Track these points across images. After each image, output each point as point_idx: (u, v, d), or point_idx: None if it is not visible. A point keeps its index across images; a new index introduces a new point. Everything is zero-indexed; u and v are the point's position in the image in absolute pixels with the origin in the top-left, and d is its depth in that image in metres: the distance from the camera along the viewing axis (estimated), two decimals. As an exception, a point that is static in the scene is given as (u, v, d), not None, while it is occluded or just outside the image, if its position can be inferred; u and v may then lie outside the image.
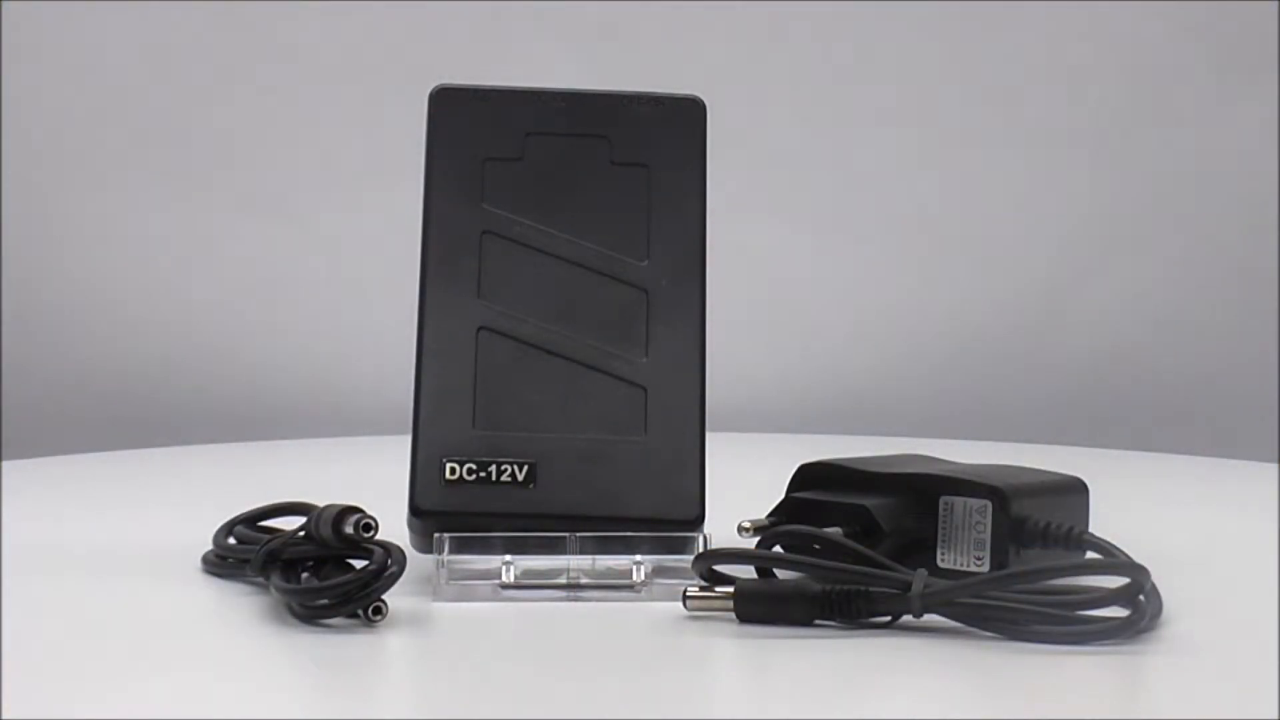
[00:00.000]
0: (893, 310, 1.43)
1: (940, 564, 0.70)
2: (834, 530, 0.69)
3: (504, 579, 0.70)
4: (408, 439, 0.73)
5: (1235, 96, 1.41)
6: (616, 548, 0.69)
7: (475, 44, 1.40)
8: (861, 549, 0.66)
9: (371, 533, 0.67)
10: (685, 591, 0.66)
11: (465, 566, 0.70)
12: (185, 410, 1.39)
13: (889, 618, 0.64)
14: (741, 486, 0.76)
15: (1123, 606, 0.63)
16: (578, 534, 0.70)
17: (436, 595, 0.69)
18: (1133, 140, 1.42)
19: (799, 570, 0.66)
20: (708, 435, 0.74)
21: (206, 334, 1.40)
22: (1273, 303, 1.42)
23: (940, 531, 0.70)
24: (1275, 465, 1.13)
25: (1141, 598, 0.63)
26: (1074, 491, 0.73)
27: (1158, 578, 0.73)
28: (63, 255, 1.40)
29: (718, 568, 0.67)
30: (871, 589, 0.64)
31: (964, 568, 0.69)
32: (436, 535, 0.70)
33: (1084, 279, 1.43)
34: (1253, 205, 1.42)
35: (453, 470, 0.71)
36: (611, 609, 0.68)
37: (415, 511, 0.72)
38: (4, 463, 1.07)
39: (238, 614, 0.68)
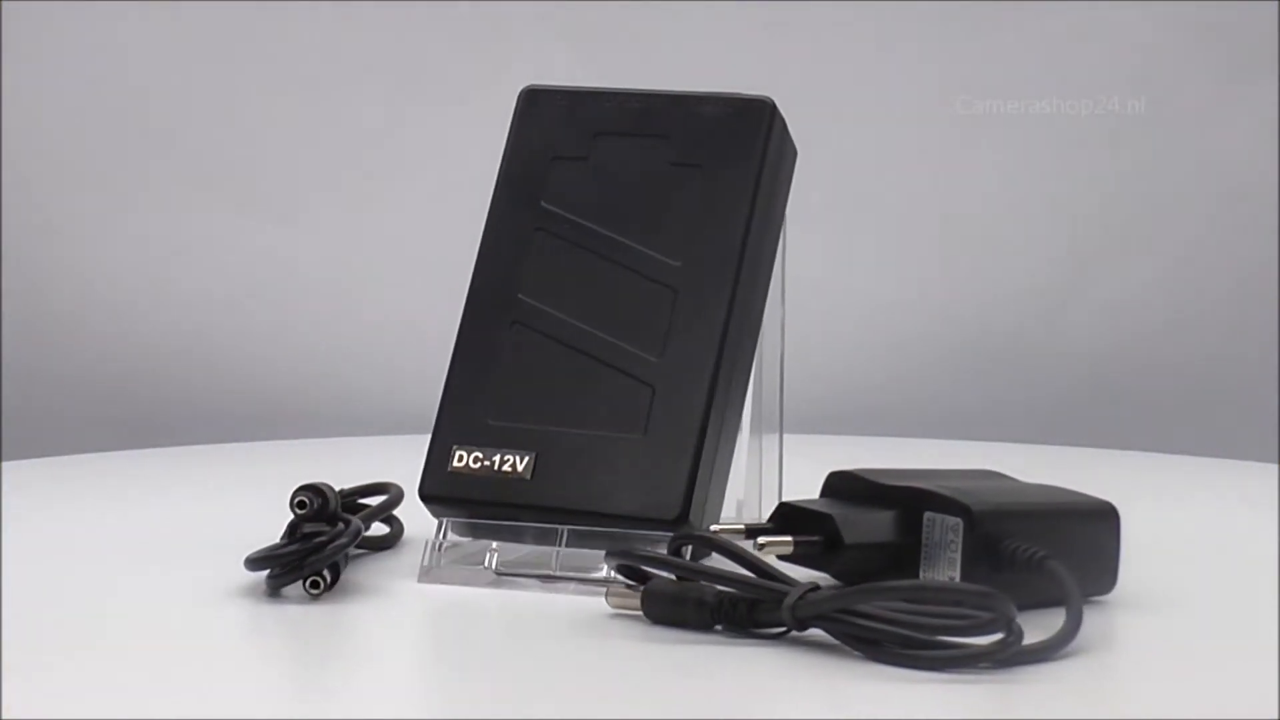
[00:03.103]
0: (892, 310, 1.43)
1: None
2: (791, 539, 0.68)
3: (485, 565, 0.71)
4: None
5: (1235, 96, 1.42)
6: (599, 543, 0.69)
7: (477, 46, 1.40)
8: (756, 558, 0.65)
9: (305, 510, 0.69)
10: (609, 588, 0.67)
11: (454, 551, 0.72)
12: (186, 410, 1.39)
13: (783, 628, 0.63)
14: (801, 486, 0.75)
15: (990, 634, 0.60)
16: (567, 527, 0.71)
17: (421, 577, 0.72)
18: (1133, 140, 1.42)
19: (680, 574, 0.65)
20: (768, 435, 0.76)
21: (207, 334, 1.41)
22: (1273, 303, 1.42)
23: (923, 548, 0.69)
24: (1275, 465, 1.13)
25: (1006, 631, 0.60)
26: (1088, 518, 0.70)
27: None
28: (63, 255, 1.40)
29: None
30: (755, 599, 0.63)
31: None
32: (439, 520, 0.72)
33: (1085, 278, 1.44)
34: (1253, 205, 1.42)
35: (460, 458, 0.72)
36: (570, 601, 0.69)
37: (421, 496, 0.73)
38: (4, 463, 1.07)
39: (229, 597, 0.69)
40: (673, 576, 0.66)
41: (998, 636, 0.59)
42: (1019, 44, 1.42)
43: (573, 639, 0.64)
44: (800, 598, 0.61)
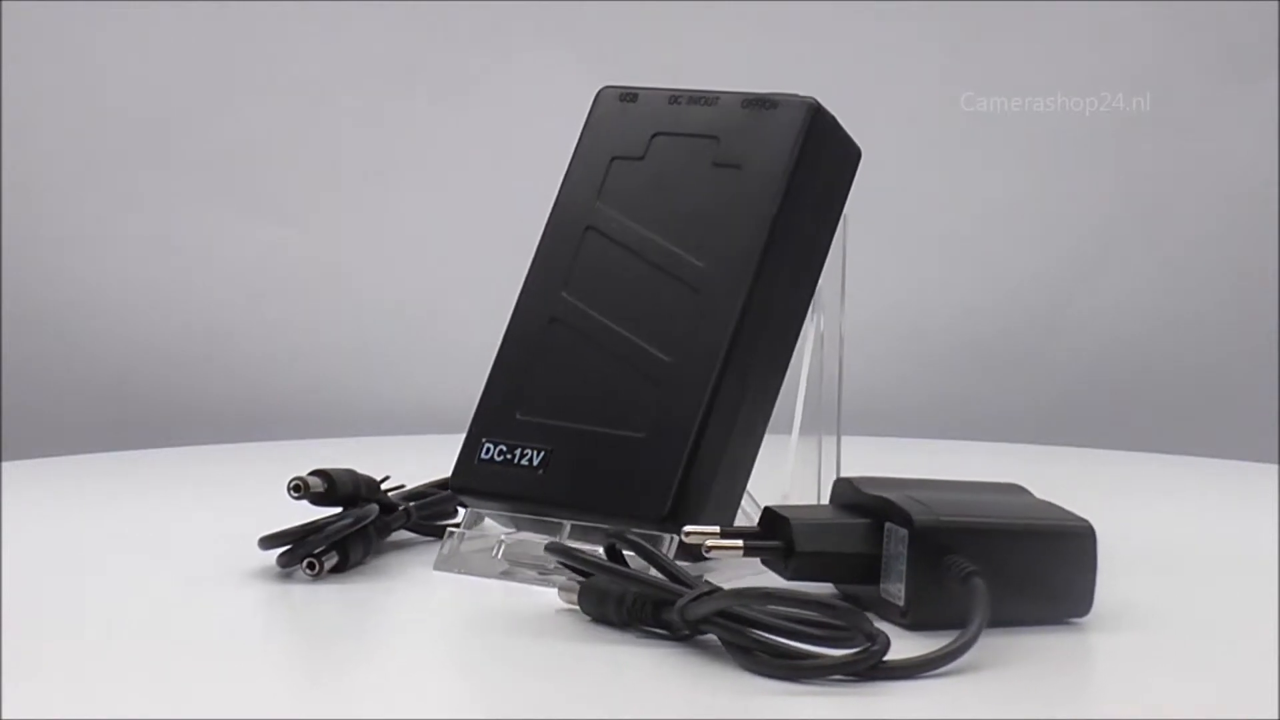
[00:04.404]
0: (892, 310, 1.43)
1: (881, 593, 0.67)
2: (742, 543, 0.68)
3: (495, 556, 0.73)
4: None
5: (1235, 96, 1.42)
6: (598, 539, 0.70)
7: (478, 46, 1.40)
8: (665, 559, 0.65)
9: (299, 494, 0.73)
10: (560, 584, 0.67)
11: (474, 541, 0.75)
12: (186, 411, 1.39)
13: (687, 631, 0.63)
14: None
15: (840, 648, 0.60)
16: (572, 522, 0.72)
17: (437, 565, 0.74)
18: (1133, 140, 1.42)
19: (594, 573, 0.66)
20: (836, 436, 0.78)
21: (208, 334, 1.41)
22: (1273, 303, 1.42)
23: (883, 559, 0.68)
24: (1275, 465, 1.13)
25: (869, 643, 0.60)
26: (1059, 539, 0.67)
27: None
28: (63, 255, 1.40)
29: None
30: (660, 600, 0.63)
31: (891, 599, 0.67)
32: (465, 509, 0.75)
33: (1084, 279, 1.44)
34: (1253, 205, 1.42)
35: (487, 450, 0.74)
36: (540, 595, 0.70)
37: (449, 485, 0.75)
38: (4, 463, 1.07)
39: (229, 580, 0.71)
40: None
41: (857, 649, 0.59)
42: (1022, 42, 1.41)
43: (494, 634, 0.65)
44: (692, 600, 0.62)
